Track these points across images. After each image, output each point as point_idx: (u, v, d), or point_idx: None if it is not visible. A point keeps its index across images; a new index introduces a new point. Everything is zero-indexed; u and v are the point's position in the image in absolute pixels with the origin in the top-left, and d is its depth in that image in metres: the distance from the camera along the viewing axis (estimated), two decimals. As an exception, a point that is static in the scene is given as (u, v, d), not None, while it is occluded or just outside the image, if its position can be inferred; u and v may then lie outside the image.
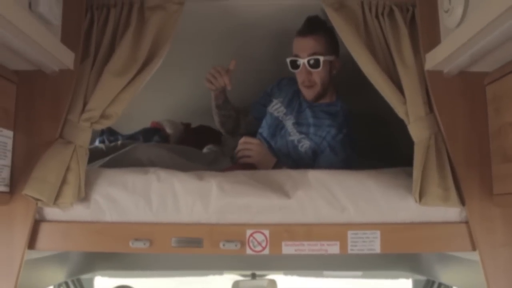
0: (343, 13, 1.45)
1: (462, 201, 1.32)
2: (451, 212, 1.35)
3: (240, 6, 1.74)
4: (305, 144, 1.81)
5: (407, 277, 2.59)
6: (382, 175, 1.41)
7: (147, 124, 2.21)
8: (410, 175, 1.38)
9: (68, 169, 1.33)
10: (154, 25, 1.44)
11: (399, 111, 1.40)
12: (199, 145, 2.02)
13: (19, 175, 1.33)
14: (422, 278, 2.46)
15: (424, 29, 1.42)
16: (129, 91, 1.41)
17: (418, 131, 1.36)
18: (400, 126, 1.45)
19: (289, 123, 1.88)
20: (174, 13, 1.47)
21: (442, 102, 1.37)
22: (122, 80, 1.39)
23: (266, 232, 1.34)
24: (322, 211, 1.35)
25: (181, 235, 1.34)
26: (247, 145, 1.72)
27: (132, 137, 2.00)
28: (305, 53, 1.77)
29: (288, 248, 1.33)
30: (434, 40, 1.39)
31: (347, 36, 1.44)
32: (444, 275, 1.99)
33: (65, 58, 1.35)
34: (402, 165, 1.50)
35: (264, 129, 1.94)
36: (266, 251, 1.34)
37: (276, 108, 1.95)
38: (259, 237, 1.34)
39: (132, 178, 1.39)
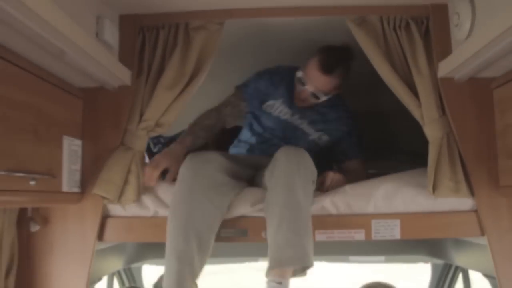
0: (364, 28, 1.63)
1: (472, 193, 1.50)
2: (463, 202, 1.53)
3: (271, 22, 1.82)
4: (324, 138, 1.94)
5: (426, 261, 2.79)
6: (403, 176, 1.60)
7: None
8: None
9: (129, 171, 1.55)
10: (198, 43, 1.64)
11: (415, 114, 1.58)
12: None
13: (88, 177, 1.56)
14: (440, 262, 2.67)
15: (437, 40, 1.59)
16: (179, 102, 1.61)
17: (432, 131, 1.54)
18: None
19: (304, 125, 1.93)
20: (216, 32, 1.66)
21: (454, 105, 1.54)
22: (173, 92, 1.60)
23: None
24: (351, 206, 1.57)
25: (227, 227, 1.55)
26: (335, 177, 1.72)
27: (173, 139, 2.21)
28: (312, 86, 1.78)
29: (321, 236, 1.54)
30: (446, 50, 1.56)
31: (369, 49, 1.61)
32: (458, 258, 2.18)
33: (124, 75, 1.57)
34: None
35: (267, 130, 1.96)
36: None
37: (280, 110, 1.93)
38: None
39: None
